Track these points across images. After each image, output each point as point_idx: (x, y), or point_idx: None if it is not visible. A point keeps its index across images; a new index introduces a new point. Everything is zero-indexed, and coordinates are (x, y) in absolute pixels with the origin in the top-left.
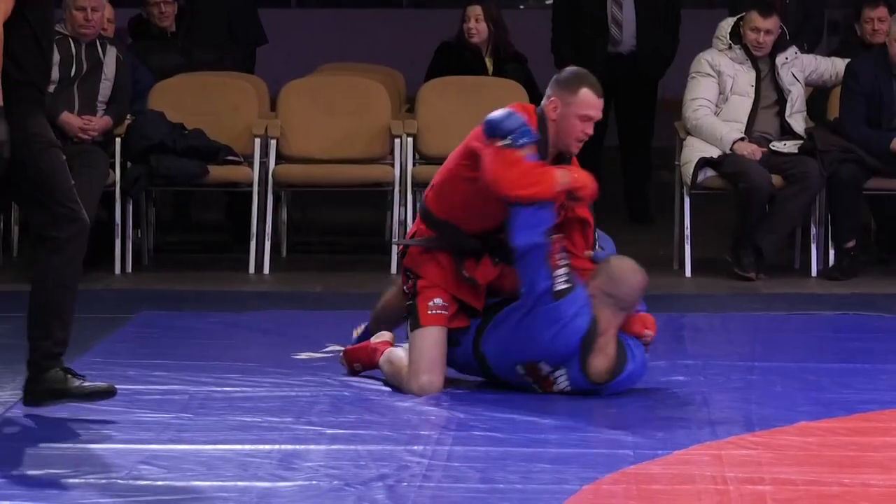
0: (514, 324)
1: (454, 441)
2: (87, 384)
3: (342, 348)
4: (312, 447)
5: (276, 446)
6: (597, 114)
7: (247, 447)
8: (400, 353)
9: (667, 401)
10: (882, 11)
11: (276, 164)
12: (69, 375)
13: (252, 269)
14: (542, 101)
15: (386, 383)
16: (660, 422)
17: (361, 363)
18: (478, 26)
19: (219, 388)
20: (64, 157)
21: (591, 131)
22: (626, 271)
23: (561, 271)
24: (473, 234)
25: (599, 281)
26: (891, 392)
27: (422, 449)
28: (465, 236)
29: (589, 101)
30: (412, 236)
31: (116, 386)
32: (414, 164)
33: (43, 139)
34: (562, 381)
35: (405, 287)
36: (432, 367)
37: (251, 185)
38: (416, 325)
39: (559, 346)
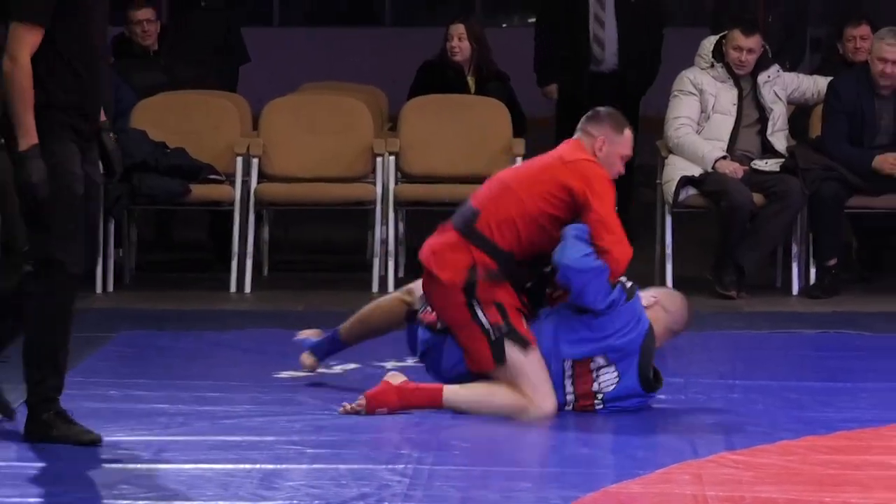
0: (580, 316)
1: (435, 460)
2: (75, 430)
3: (341, 369)
4: (293, 466)
5: (257, 465)
6: (631, 154)
7: (228, 466)
8: (492, 387)
9: (648, 419)
10: (864, 29)
11: (258, 182)
12: (59, 421)
13: (234, 288)
14: (579, 137)
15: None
16: (641, 440)
17: (394, 407)
18: (460, 45)
19: (200, 407)
20: (81, 191)
21: (623, 169)
22: (679, 297)
23: (622, 278)
24: (523, 263)
25: (657, 304)
26: (872, 410)
27: (403, 468)
28: (518, 266)
29: (630, 142)
30: (468, 267)
31: (98, 405)
32: (396, 183)
33: (62, 171)
34: (607, 382)
35: (489, 321)
36: (551, 388)
37: (233, 203)
38: (523, 349)
39: (627, 341)
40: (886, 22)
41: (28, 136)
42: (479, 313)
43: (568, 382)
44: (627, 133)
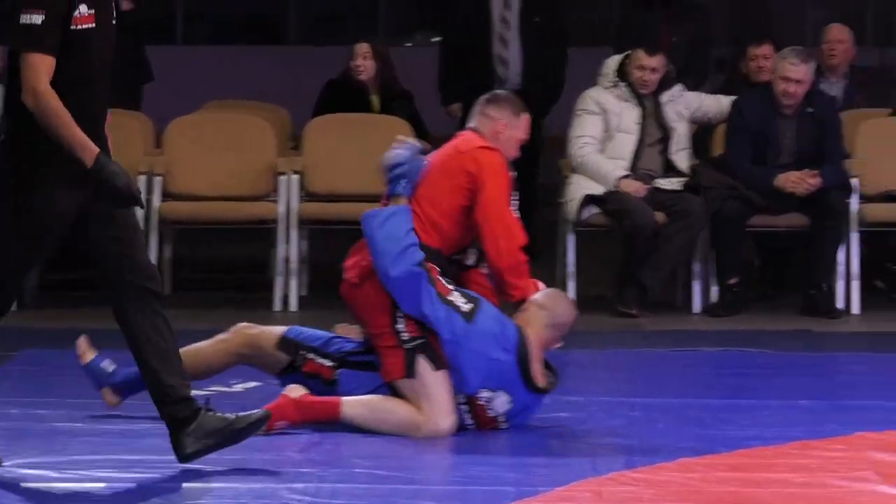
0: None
1: (338, 479)
2: None
3: (241, 388)
4: (192, 485)
5: (157, 484)
6: (527, 138)
7: (128, 485)
8: (389, 401)
9: (549, 437)
10: (767, 49)
11: (161, 201)
12: None
13: None
14: (478, 120)
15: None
16: (542, 458)
17: (294, 420)
18: (365, 63)
19: (101, 426)
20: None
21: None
22: (554, 291)
23: (454, 296)
24: (452, 259)
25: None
26: (773, 428)
27: (304, 487)
28: (449, 263)
29: (528, 126)
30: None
31: None
32: (300, 202)
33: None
34: (501, 405)
35: (403, 331)
36: (452, 408)
37: None
38: (435, 366)
39: (498, 367)
40: (789, 42)
41: (88, 152)
42: (400, 323)
43: (466, 415)
44: (525, 117)
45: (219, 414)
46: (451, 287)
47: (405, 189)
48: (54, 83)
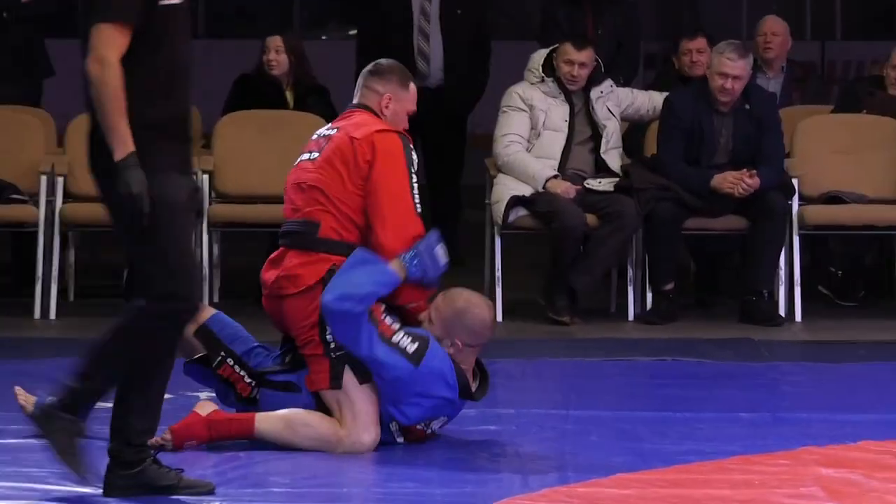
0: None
1: (252, 497)
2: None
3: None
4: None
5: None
6: (415, 109)
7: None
8: (306, 414)
9: (477, 451)
10: (700, 42)
11: (63, 202)
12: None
13: (38, 314)
14: (363, 94)
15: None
16: (470, 473)
17: (204, 440)
18: (278, 58)
19: (3, 440)
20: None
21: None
22: (480, 317)
23: (399, 336)
24: None
25: (448, 323)
26: (710, 442)
27: None
28: None
29: (416, 97)
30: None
31: None
32: (211, 203)
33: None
34: (437, 424)
35: (332, 341)
36: (376, 420)
37: (37, 224)
38: (361, 378)
39: (438, 405)
40: (723, 36)
41: (124, 145)
42: (330, 333)
43: (396, 433)
44: (412, 87)
45: (163, 469)
46: (395, 326)
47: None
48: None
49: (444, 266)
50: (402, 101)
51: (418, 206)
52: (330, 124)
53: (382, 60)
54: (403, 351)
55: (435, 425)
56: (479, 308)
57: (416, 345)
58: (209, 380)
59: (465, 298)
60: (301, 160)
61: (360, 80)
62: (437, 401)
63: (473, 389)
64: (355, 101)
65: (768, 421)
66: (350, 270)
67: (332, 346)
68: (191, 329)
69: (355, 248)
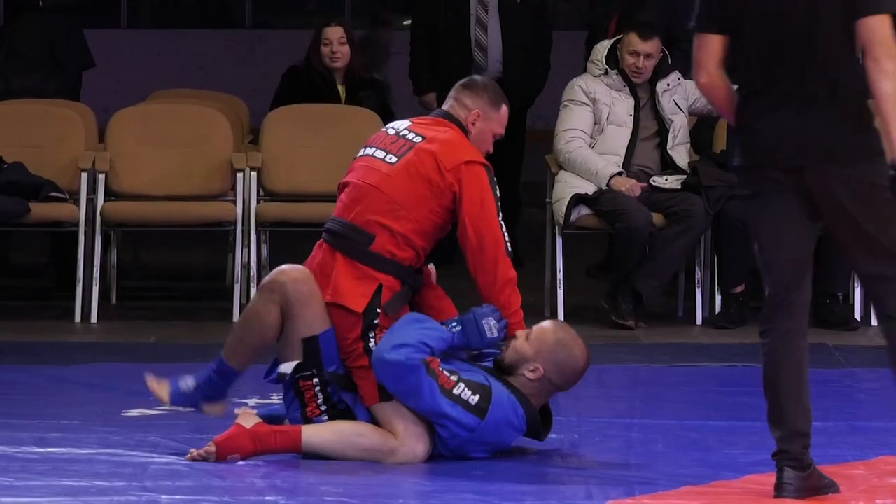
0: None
1: None
2: None
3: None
4: None
5: None
6: (503, 133)
7: None
8: (356, 425)
9: (538, 463)
10: None
11: (104, 200)
12: None
13: (78, 318)
14: (452, 105)
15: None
16: (530, 485)
17: (248, 453)
18: (342, 49)
19: (42, 449)
20: None
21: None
22: (576, 358)
23: (459, 388)
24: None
25: (544, 348)
26: None
27: None
28: (418, 273)
29: (505, 120)
30: (372, 293)
31: None
32: (258, 202)
33: None
34: None
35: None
36: (428, 430)
37: (77, 224)
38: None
39: (504, 445)
40: None
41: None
42: (372, 341)
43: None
44: (504, 110)
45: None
46: (454, 379)
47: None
48: None
49: (493, 339)
50: (490, 120)
51: (508, 244)
52: (410, 123)
53: (478, 77)
54: (466, 404)
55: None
56: (579, 353)
57: (477, 396)
58: (285, 385)
59: (571, 336)
60: (371, 156)
61: (451, 91)
62: (503, 445)
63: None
64: (444, 107)
65: (843, 430)
66: (400, 327)
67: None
68: (302, 332)
69: (405, 269)
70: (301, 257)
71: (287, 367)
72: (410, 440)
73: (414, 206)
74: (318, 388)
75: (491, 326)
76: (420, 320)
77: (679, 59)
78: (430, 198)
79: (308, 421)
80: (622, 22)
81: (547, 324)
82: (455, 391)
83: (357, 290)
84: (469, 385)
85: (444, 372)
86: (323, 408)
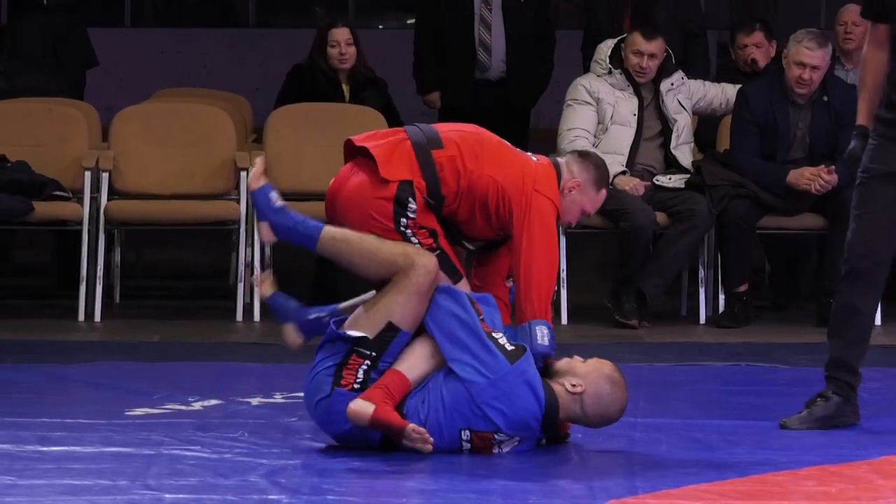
0: (463, 390)
1: None
2: None
3: (200, 405)
4: None
5: None
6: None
7: None
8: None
9: (542, 461)
10: (758, 37)
11: (108, 199)
12: None
13: (82, 317)
14: (563, 165)
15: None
16: (535, 483)
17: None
18: (349, 50)
19: (45, 448)
20: None
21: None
22: (617, 400)
23: (498, 335)
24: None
25: (589, 379)
26: (786, 452)
27: None
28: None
29: (600, 203)
30: (403, 179)
31: None
32: None
33: None
34: (508, 446)
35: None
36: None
37: (81, 222)
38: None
39: (520, 418)
40: (800, 25)
41: None
42: (402, 224)
43: (465, 444)
44: (603, 194)
45: None
46: (495, 330)
47: None
48: None
49: (541, 348)
50: (585, 194)
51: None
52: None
53: (595, 154)
54: (501, 346)
55: (506, 448)
56: (620, 399)
57: (513, 347)
58: (332, 334)
59: (622, 384)
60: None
61: (569, 153)
62: (520, 413)
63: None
64: (556, 157)
65: (846, 429)
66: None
67: (408, 232)
68: (395, 315)
69: (438, 195)
70: (304, 256)
71: (354, 332)
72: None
73: (492, 168)
74: (363, 369)
75: (543, 334)
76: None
77: (697, 55)
78: (493, 208)
79: (334, 385)
80: (635, 19)
81: (607, 361)
82: (494, 335)
83: (393, 159)
84: (507, 339)
85: (487, 321)
86: (356, 386)
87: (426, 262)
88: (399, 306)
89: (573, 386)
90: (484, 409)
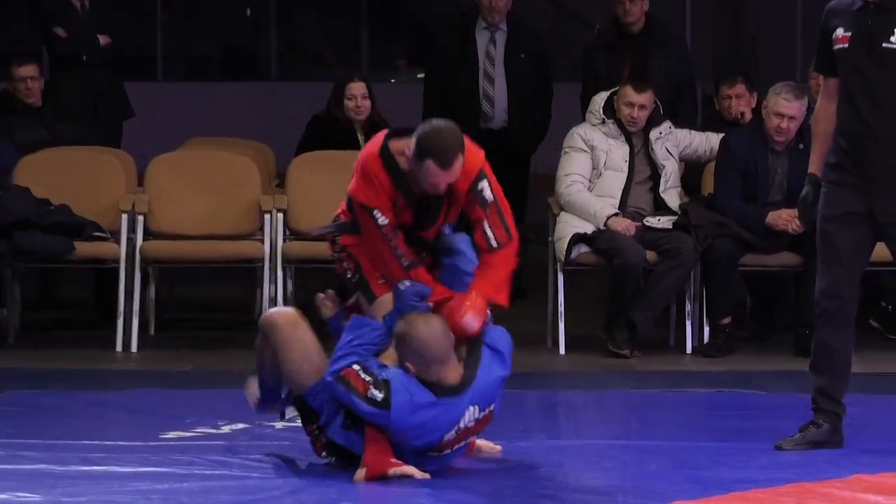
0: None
1: None
2: None
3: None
4: None
5: None
6: (442, 185)
7: None
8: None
9: (538, 481)
10: (739, 88)
11: (143, 239)
12: None
13: (119, 348)
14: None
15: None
16: (531, 500)
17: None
18: (364, 104)
19: (86, 468)
20: None
21: (441, 191)
22: (414, 334)
23: (371, 391)
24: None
25: (397, 349)
26: (766, 470)
27: None
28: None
29: (434, 173)
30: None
31: None
32: (284, 240)
33: None
34: (450, 434)
35: (347, 269)
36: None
37: (118, 261)
38: (371, 298)
39: (435, 421)
40: (778, 78)
41: None
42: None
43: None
44: (428, 164)
45: None
46: (368, 380)
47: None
48: None
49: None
50: (419, 168)
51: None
52: None
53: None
54: (374, 402)
55: (449, 436)
56: (416, 329)
57: (381, 393)
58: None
59: (406, 322)
60: None
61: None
62: (426, 420)
63: (459, 381)
64: None
65: (820, 451)
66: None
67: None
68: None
69: None
70: (321, 290)
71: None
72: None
73: None
74: (317, 430)
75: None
76: (355, 327)
77: (687, 106)
78: None
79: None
80: (633, 73)
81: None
82: (368, 394)
83: None
84: (376, 385)
85: (361, 375)
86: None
87: (272, 319)
88: (288, 374)
89: (409, 367)
90: (410, 442)
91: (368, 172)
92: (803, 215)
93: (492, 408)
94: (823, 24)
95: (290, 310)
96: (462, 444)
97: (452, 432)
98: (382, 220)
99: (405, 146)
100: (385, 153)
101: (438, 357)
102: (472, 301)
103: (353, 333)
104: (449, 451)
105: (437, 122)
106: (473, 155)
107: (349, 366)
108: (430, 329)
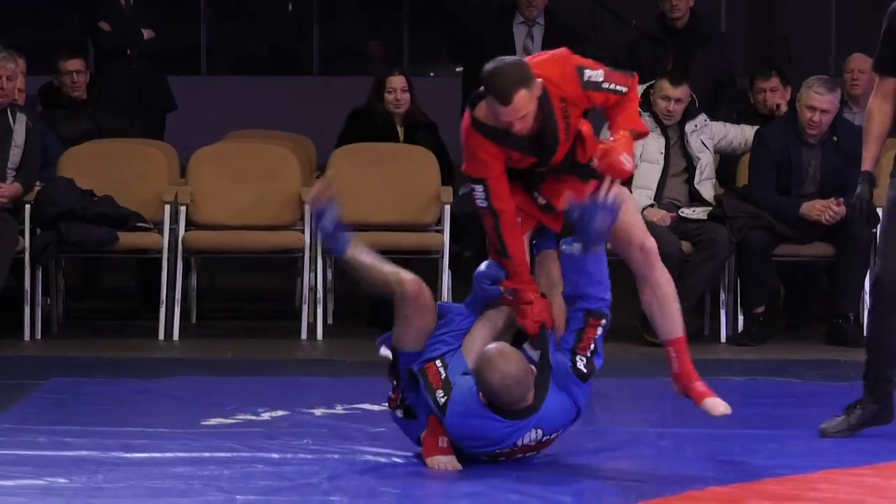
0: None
1: None
2: None
3: (268, 416)
4: None
5: None
6: (512, 120)
7: None
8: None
9: (577, 467)
10: (774, 82)
11: (185, 230)
12: None
13: (162, 336)
14: None
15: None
16: (569, 486)
17: None
18: (404, 97)
19: (128, 454)
20: None
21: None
22: (487, 376)
23: (439, 392)
24: None
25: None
26: (800, 457)
27: None
28: None
29: (500, 112)
30: None
31: (26, 452)
32: None
33: None
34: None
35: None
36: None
37: (161, 251)
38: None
39: (490, 433)
40: (812, 72)
41: None
42: None
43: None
44: (494, 106)
45: None
46: (442, 375)
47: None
48: None
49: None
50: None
51: None
52: None
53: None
54: (437, 403)
55: (503, 450)
56: (492, 375)
57: (445, 397)
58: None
59: (484, 361)
60: None
61: None
62: (480, 434)
63: (528, 404)
64: None
65: (854, 438)
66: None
67: None
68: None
69: None
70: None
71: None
72: (402, 284)
73: None
74: (397, 393)
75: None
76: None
77: (726, 100)
78: None
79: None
80: (677, 65)
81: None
82: (436, 393)
83: None
84: (444, 386)
85: (439, 371)
86: (398, 410)
87: (406, 289)
88: (396, 331)
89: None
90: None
91: (472, 146)
92: (860, 211)
93: (555, 436)
94: (888, 24)
95: (415, 280)
96: (519, 456)
97: (507, 448)
98: (482, 201)
99: (487, 106)
100: (476, 123)
101: (511, 402)
102: (620, 140)
103: (448, 320)
104: (504, 459)
105: (495, 61)
106: (558, 62)
107: (434, 359)
108: (504, 379)
